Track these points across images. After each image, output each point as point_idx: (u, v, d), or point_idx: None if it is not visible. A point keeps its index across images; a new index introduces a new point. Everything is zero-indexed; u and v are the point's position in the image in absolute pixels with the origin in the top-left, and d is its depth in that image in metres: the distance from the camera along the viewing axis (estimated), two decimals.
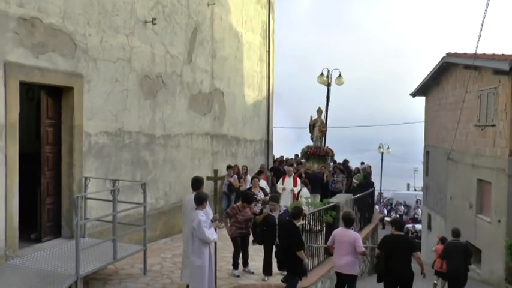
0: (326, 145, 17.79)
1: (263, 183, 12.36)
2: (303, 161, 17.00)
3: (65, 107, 8.28)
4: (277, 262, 8.13)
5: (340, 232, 7.94)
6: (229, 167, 12.96)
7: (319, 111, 17.24)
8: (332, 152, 17.23)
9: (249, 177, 13.48)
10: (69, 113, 8.26)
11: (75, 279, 6.50)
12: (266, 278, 8.36)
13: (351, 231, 7.88)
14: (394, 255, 7.70)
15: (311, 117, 17.29)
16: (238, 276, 8.38)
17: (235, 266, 8.52)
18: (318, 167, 15.74)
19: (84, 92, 8.40)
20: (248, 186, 13.17)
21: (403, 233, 8.03)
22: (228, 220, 8.42)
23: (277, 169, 15.53)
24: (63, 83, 8.05)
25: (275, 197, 9.09)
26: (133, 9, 9.60)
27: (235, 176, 12.97)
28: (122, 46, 9.36)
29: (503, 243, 13.06)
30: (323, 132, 17.25)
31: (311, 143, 17.32)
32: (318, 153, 16.74)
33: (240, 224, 8.38)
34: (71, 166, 8.29)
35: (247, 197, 8.53)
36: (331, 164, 17.43)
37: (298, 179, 13.17)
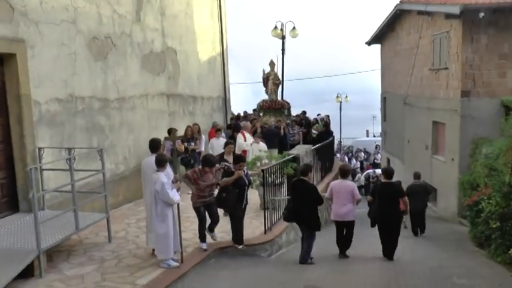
0: (283, 98, 17.71)
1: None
2: (261, 114, 16.89)
3: (8, 76, 7.79)
4: (290, 217, 8.20)
5: (339, 183, 8.55)
6: (172, 130, 11.19)
7: (271, 64, 16.95)
8: (288, 104, 17.14)
9: (203, 137, 12.78)
10: (14, 81, 7.78)
11: (37, 253, 6.35)
12: (240, 247, 7.91)
13: (347, 181, 8.58)
14: (385, 201, 8.31)
15: (263, 71, 17.04)
16: (205, 250, 7.64)
17: (202, 238, 7.74)
18: (275, 120, 15.69)
19: (28, 58, 7.92)
20: (203, 147, 12.55)
21: (392, 181, 8.57)
22: (190, 183, 7.66)
23: (238, 125, 14.23)
24: (4, 50, 7.54)
25: (241, 156, 8.37)
26: None
27: (178, 140, 11.24)
28: (65, 7, 8.84)
29: (457, 180, 13.69)
30: (277, 85, 17.05)
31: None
32: (273, 106, 16.64)
33: (202, 192, 7.56)
34: (21, 137, 7.92)
35: (209, 160, 7.66)
36: (289, 117, 17.34)
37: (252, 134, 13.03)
